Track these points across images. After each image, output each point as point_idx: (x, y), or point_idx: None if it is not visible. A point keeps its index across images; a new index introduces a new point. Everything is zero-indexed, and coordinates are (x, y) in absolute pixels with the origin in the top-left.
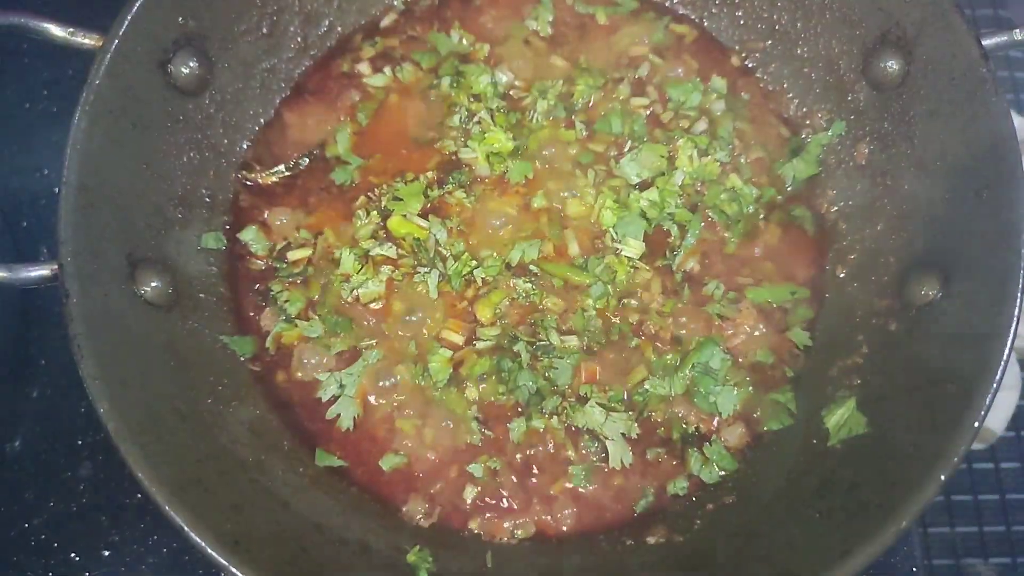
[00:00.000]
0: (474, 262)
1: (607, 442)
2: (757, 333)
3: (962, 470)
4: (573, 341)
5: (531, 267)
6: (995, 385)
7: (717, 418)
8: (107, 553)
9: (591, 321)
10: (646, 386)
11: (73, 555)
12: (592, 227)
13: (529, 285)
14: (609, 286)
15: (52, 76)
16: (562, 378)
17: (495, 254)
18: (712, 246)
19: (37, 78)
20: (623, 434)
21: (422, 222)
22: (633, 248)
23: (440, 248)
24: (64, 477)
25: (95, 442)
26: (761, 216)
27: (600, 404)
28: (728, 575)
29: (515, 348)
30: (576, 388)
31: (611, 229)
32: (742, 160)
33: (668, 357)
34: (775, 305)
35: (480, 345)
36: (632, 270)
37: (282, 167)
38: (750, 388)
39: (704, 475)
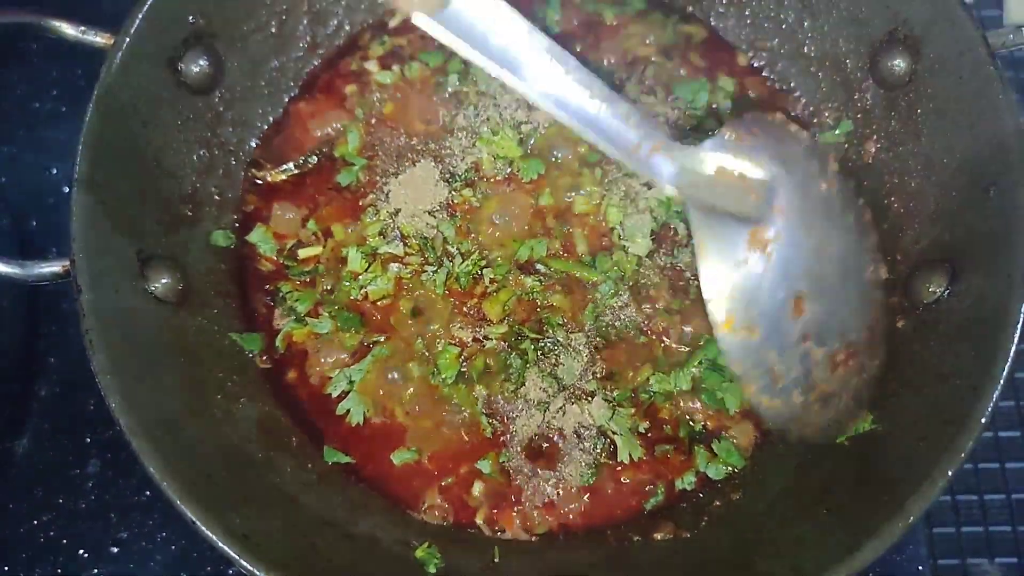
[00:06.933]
0: (483, 262)
1: (615, 437)
2: None
3: (968, 470)
4: (580, 338)
5: (539, 265)
6: (1001, 381)
7: (724, 415)
8: (115, 550)
9: (599, 318)
10: (653, 382)
11: (81, 552)
12: (599, 225)
13: (537, 283)
14: (618, 283)
15: (60, 76)
16: (569, 375)
17: (503, 253)
18: None
19: (46, 78)
20: (631, 429)
21: (430, 220)
22: (640, 246)
23: (448, 246)
24: (72, 474)
25: (103, 440)
26: None
27: (607, 400)
28: (735, 571)
29: (522, 346)
30: (583, 384)
31: (618, 226)
32: None
33: (675, 354)
34: None
35: (488, 343)
36: (639, 267)
37: (291, 165)
38: None
39: (711, 471)
